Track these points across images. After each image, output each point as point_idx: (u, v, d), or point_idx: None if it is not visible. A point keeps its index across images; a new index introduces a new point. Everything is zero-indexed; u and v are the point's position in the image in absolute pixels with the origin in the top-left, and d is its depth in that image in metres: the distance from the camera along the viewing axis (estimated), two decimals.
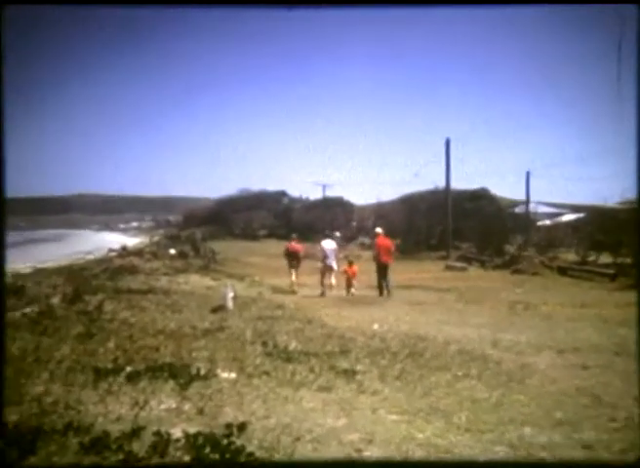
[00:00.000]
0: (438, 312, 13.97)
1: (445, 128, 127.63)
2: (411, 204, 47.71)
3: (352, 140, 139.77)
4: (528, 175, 47.13)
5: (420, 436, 4.84)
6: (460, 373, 7.19)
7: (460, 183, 45.46)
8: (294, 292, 18.87)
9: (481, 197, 48.43)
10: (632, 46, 4.19)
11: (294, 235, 22.16)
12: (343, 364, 7.38)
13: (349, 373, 6.87)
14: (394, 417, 5.35)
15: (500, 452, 4.58)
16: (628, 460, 4.57)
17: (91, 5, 4.56)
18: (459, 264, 32.46)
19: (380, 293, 17.94)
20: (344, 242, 45.70)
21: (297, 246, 20.80)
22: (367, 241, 43.87)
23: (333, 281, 18.75)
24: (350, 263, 19.74)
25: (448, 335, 10.08)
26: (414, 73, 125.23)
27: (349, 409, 5.48)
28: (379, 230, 19.32)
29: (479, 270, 31.38)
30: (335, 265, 19.22)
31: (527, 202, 48.37)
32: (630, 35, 4.44)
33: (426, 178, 73.76)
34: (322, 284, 18.67)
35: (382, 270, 18.19)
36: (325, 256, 19.14)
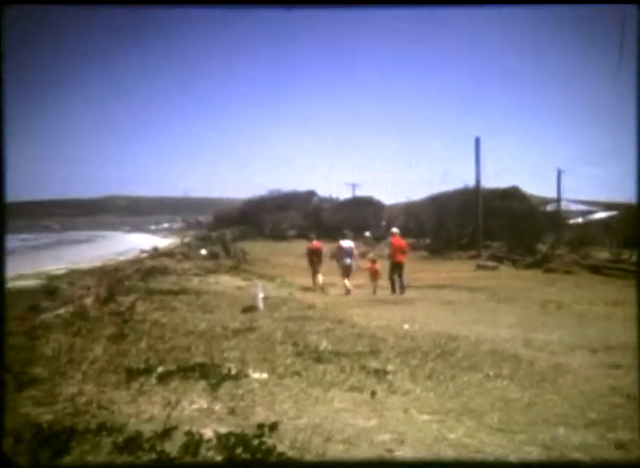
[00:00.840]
0: (469, 311, 13.89)
1: (475, 126, 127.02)
2: (441, 203, 47.29)
3: (382, 140, 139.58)
4: (559, 172, 46.73)
5: (452, 436, 4.81)
6: (491, 373, 7.14)
7: (490, 182, 45.12)
8: (323, 291, 18.97)
9: (512, 195, 47.78)
10: (632, 46, 4.15)
11: (312, 235, 22.40)
12: (374, 364, 7.36)
13: (380, 373, 6.85)
14: (425, 417, 5.32)
15: (533, 453, 4.54)
16: None
17: (91, 5, 4.59)
18: (490, 263, 32.18)
19: (393, 291, 18.31)
20: (374, 241, 45.57)
21: (317, 244, 21.03)
22: None
23: (346, 282, 18.91)
24: (373, 261, 20.03)
25: (479, 335, 10.03)
26: (443, 72, 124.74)
27: (380, 410, 5.47)
28: (395, 230, 20.05)
29: (510, 269, 31.10)
30: (353, 264, 19.55)
31: (558, 200, 47.90)
32: (630, 35, 4.40)
33: (457, 177, 73.34)
34: (345, 283, 18.90)
35: (397, 268, 18.72)
36: (342, 256, 19.48)
